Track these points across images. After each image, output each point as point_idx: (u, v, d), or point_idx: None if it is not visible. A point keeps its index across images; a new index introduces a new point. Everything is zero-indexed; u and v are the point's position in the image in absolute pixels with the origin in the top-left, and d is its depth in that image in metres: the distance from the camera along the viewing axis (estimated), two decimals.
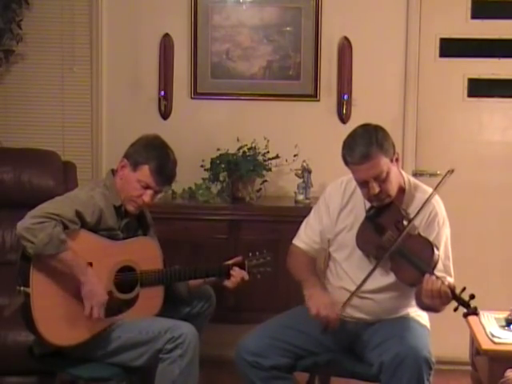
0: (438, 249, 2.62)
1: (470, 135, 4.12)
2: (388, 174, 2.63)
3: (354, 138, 2.67)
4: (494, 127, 4.12)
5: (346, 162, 2.67)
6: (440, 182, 2.70)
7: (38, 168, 3.71)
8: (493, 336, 2.85)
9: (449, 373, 3.79)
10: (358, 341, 2.79)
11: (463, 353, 3.23)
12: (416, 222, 2.68)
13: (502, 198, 4.08)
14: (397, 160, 2.70)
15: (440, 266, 2.66)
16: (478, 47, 4.06)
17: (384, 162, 2.62)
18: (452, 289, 2.49)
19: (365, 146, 2.60)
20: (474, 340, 2.98)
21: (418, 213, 2.67)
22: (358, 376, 2.83)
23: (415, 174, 3.98)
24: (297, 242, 2.95)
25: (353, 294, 2.68)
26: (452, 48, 4.08)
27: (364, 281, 2.67)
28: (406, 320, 2.78)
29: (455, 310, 2.48)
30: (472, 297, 2.44)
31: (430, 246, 2.60)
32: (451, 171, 2.69)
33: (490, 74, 4.05)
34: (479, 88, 4.08)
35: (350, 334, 2.80)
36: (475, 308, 2.44)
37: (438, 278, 2.52)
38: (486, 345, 2.81)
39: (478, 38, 4.05)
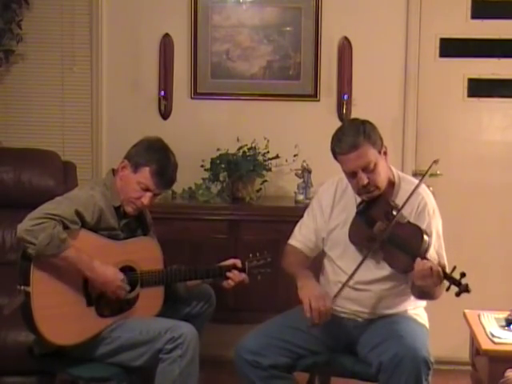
0: (428, 235, 2.63)
1: (470, 135, 4.12)
2: (376, 165, 2.67)
3: (342, 130, 2.74)
4: (494, 127, 4.12)
5: (335, 154, 2.71)
6: (426, 172, 2.76)
7: (38, 168, 3.71)
8: (493, 336, 2.85)
9: (449, 373, 3.79)
10: (357, 340, 2.79)
11: (463, 353, 3.23)
12: (405, 213, 2.70)
13: (502, 198, 4.08)
14: (385, 153, 2.74)
15: (434, 255, 2.67)
16: (478, 47, 4.06)
17: (372, 152, 2.66)
18: (442, 268, 2.50)
19: (352, 136, 2.65)
20: (474, 340, 2.98)
21: (406, 201, 2.68)
22: (357, 376, 2.83)
23: (415, 174, 3.97)
24: (292, 241, 2.96)
25: (344, 284, 2.69)
26: (452, 48, 4.08)
27: (355, 271, 2.68)
28: (405, 319, 2.78)
29: (447, 289, 2.49)
30: (463, 275, 2.45)
31: (419, 232, 2.62)
32: (436, 161, 2.76)
33: (490, 74, 4.05)
34: (479, 88, 4.08)
35: (349, 333, 2.80)
36: (466, 285, 2.43)
37: (428, 260, 2.53)
38: (486, 345, 2.81)
39: (478, 38, 4.05)
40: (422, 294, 2.66)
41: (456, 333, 3.42)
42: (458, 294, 2.45)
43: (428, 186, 2.94)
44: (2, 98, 4.19)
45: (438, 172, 3.96)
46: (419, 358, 2.55)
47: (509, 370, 2.50)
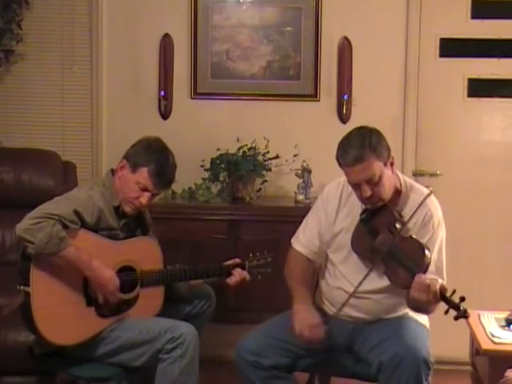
0: (429, 251, 2.61)
1: (470, 135, 4.12)
2: (381, 177, 2.62)
3: (348, 140, 2.66)
4: (494, 127, 4.12)
5: (340, 164, 2.67)
6: (418, 208, 2.68)
7: (38, 168, 3.71)
8: (493, 336, 2.85)
9: (449, 373, 3.78)
10: (358, 341, 2.79)
11: (463, 353, 3.23)
12: (410, 224, 2.67)
13: (501, 198, 4.08)
14: (392, 164, 2.69)
15: (432, 268, 2.64)
16: (477, 47, 4.06)
17: (377, 165, 2.61)
18: (442, 290, 2.46)
19: (358, 148, 2.59)
20: (474, 340, 2.98)
21: (411, 217, 2.66)
22: (357, 376, 2.83)
23: (415, 174, 3.98)
24: (296, 245, 2.93)
25: (348, 299, 2.69)
26: (452, 48, 4.08)
27: (358, 286, 2.68)
28: (405, 319, 2.78)
29: (446, 312, 2.45)
30: (462, 299, 2.41)
31: (421, 249, 2.59)
32: (430, 192, 2.72)
33: (490, 74, 4.05)
34: (479, 88, 4.08)
35: (349, 334, 2.80)
36: (465, 311, 2.41)
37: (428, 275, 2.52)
38: (486, 345, 2.81)
39: (478, 38, 4.05)
40: (417, 308, 2.64)
41: (456, 333, 3.41)
42: (456, 318, 2.43)
43: (427, 186, 2.92)
44: (2, 98, 4.19)
45: (438, 172, 3.96)
46: (419, 358, 2.54)
47: (509, 370, 2.50)
